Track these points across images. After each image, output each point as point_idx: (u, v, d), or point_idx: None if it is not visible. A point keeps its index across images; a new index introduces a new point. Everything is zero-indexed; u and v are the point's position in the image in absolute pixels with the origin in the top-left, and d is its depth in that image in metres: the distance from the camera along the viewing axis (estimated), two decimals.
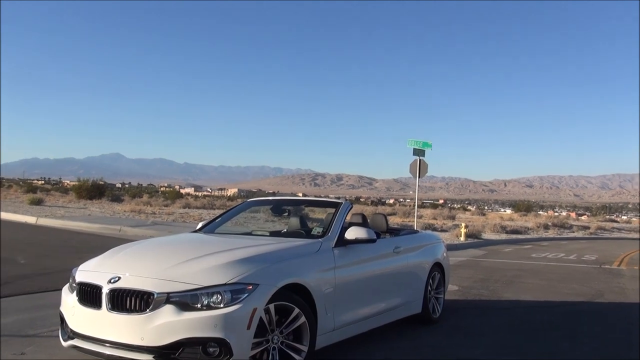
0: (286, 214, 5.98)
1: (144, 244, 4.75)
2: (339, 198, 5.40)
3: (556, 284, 10.15)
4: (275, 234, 5.48)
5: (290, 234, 5.25)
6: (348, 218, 5.41)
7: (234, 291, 3.55)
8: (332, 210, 5.14)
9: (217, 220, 5.76)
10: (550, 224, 34.91)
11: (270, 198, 6.50)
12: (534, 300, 8.16)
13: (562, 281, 10.54)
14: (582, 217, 69.58)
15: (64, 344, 3.94)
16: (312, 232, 5.17)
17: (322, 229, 5.00)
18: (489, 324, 6.32)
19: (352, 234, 4.72)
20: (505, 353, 5.06)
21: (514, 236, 24.36)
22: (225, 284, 3.58)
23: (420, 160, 18.43)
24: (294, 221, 5.64)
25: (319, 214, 6.90)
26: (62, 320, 4.04)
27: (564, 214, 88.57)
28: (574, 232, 32.53)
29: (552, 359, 5.00)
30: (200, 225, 5.73)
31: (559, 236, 27.77)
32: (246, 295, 3.56)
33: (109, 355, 3.59)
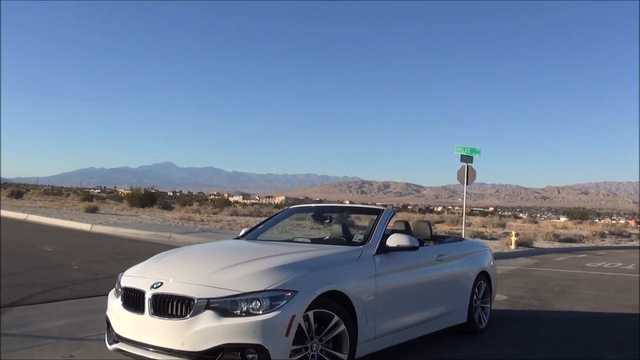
0: (328, 220, 5.96)
1: (186, 250, 4.83)
2: (386, 206, 5.35)
3: (612, 294, 9.71)
4: (316, 241, 5.46)
5: (331, 241, 5.23)
6: (391, 225, 5.34)
7: (273, 298, 3.55)
8: (374, 217, 5.08)
9: (259, 227, 5.80)
10: (607, 232, 33.57)
11: (313, 205, 6.49)
12: (587, 312, 7.83)
13: (619, 292, 10.07)
14: None
15: (109, 347, 4.04)
16: (353, 240, 5.13)
17: (363, 236, 4.95)
18: (538, 335, 6.09)
19: (393, 241, 4.65)
20: None
21: (567, 245, 23.51)
22: (264, 291, 3.58)
23: (468, 166, 18.07)
24: (336, 228, 5.63)
25: (365, 221, 6.85)
26: (108, 324, 4.14)
27: (622, 221, 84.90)
28: (632, 240, 31.10)
29: None
30: (243, 232, 5.79)
31: (616, 245, 26.61)
32: (285, 302, 3.55)
33: (151, 359, 3.65)
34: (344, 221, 5.97)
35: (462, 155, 18.08)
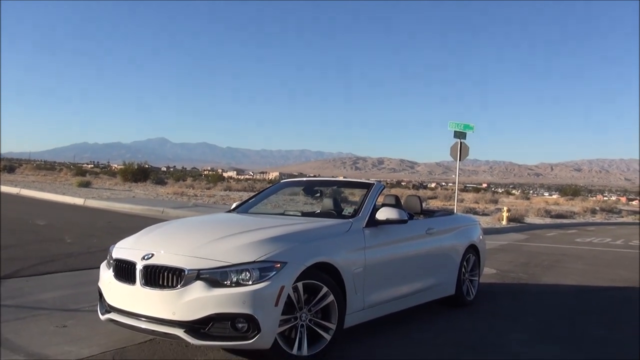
0: (318, 195, 6.01)
1: (177, 223, 4.87)
2: (380, 181, 5.38)
3: (600, 269, 9.87)
4: (307, 214, 5.51)
5: (322, 215, 5.29)
6: (381, 200, 5.39)
7: (262, 269, 3.61)
8: (364, 191, 5.13)
9: (251, 201, 5.84)
10: (598, 208, 33.88)
11: (303, 179, 6.53)
12: (575, 285, 7.96)
13: (607, 266, 10.24)
14: (633, 202, 67.05)
15: (102, 317, 4.10)
16: (343, 213, 5.19)
17: (353, 209, 5.00)
18: (525, 308, 6.21)
19: (383, 214, 4.71)
20: (539, 337, 4.96)
21: (558, 221, 23.74)
22: (253, 262, 3.63)
23: (461, 143, 18.10)
24: (327, 202, 5.68)
25: (357, 197, 6.91)
26: (100, 295, 4.20)
27: (613, 198, 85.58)
28: (622, 217, 31.45)
29: (586, 343, 4.87)
30: (234, 205, 5.84)
31: (606, 221, 26.91)
32: (274, 273, 3.61)
33: (143, 328, 3.72)
34: (335, 195, 6.01)
35: (455, 132, 18.10)
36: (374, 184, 5.23)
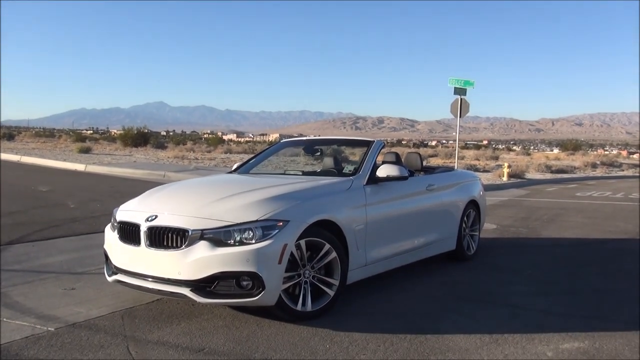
0: (318, 153, 6.01)
1: (180, 184, 4.90)
2: (380, 140, 5.37)
3: (600, 221, 9.95)
4: (308, 173, 5.53)
5: (322, 173, 5.30)
6: (382, 157, 5.40)
7: (265, 227, 3.65)
8: (364, 149, 5.13)
9: (251, 161, 5.85)
10: (598, 162, 33.90)
11: (303, 139, 6.53)
12: (574, 238, 8.05)
13: (607, 219, 10.31)
14: (634, 155, 66.95)
15: (109, 279, 4.17)
16: (344, 171, 5.20)
17: (354, 167, 5.02)
18: (525, 261, 6.29)
19: (383, 171, 4.73)
20: (538, 289, 5.05)
21: (559, 176, 23.79)
22: (256, 221, 3.67)
23: (461, 99, 17.96)
24: (328, 161, 5.69)
25: (358, 155, 6.91)
26: (106, 257, 4.26)
27: (614, 152, 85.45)
28: (623, 170, 31.49)
29: (586, 293, 4.96)
30: (235, 166, 5.86)
31: (607, 175, 26.97)
32: (277, 231, 3.65)
33: (150, 288, 3.79)
34: (335, 154, 6.01)
35: (455, 88, 17.94)
36: (373, 141, 5.23)
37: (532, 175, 22.56)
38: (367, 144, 5.22)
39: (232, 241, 3.61)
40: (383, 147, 5.23)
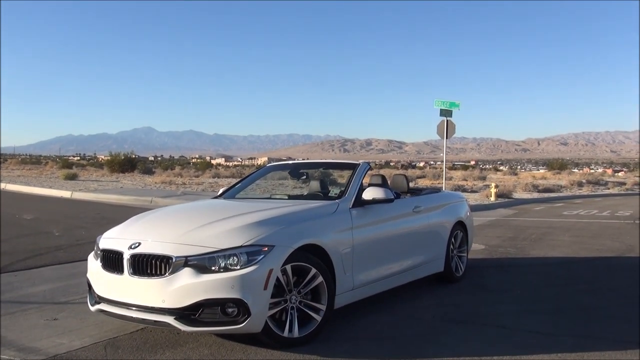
0: (304, 177, 6.00)
1: (164, 211, 4.85)
2: (366, 162, 5.38)
3: (587, 240, 9.99)
4: (294, 197, 5.51)
5: (308, 197, 5.29)
6: (367, 180, 5.40)
7: (250, 253, 3.61)
8: (350, 171, 5.13)
9: (237, 186, 5.83)
10: (584, 181, 34.24)
11: (289, 162, 6.52)
12: (561, 257, 8.06)
13: (594, 237, 10.36)
14: (619, 174, 67.75)
15: (92, 308, 4.09)
16: (329, 194, 5.19)
17: (340, 190, 5.01)
18: (513, 281, 6.29)
19: (369, 194, 4.72)
20: (527, 308, 5.03)
21: (546, 195, 23.95)
22: (241, 246, 3.63)
23: (447, 121, 18.14)
24: (314, 184, 5.69)
25: (346, 178, 6.91)
26: (90, 286, 4.18)
27: (600, 170, 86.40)
28: (609, 188, 31.80)
29: (574, 312, 4.95)
30: (221, 191, 5.83)
31: (593, 193, 27.19)
32: (262, 256, 3.62)
33: (133, 317, 3.72)
34: (322, 177, 6.01)
35: (441, 110, 18.13)
36: (359, 164, 5.24)
37: (519, 194, 22.70)
38: (352, 166, 5.22)
39: (217, 267, 3.57)
40: (369, 169, 5.24)
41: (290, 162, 6.55)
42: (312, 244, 3.98)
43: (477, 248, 8.53)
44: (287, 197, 5.44)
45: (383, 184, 5.21)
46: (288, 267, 3.76)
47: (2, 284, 5.66)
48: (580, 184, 32.01)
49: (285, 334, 3.76)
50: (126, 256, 3.77)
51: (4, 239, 8.60)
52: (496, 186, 20.79)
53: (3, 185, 21.75)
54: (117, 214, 12.30)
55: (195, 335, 4.02)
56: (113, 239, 4.11)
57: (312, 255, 3.96)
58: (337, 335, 4.13)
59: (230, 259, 3.58)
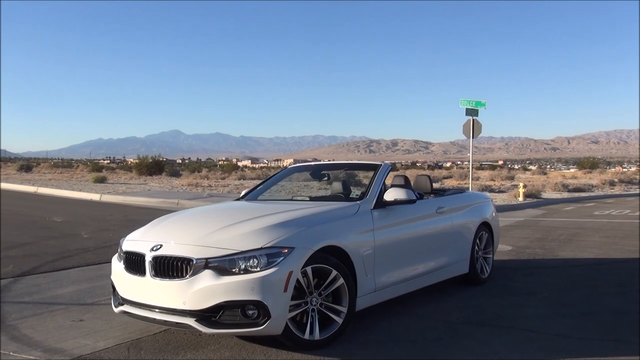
0: (326, 178, 5.99)
1: (186, 213, 4.89)
2: (388, 162, 5.34)
3: (618, 240, 9.74)
4: (315, 199, 5.50)
5: (330, 198, 5.28)
6: (390, 180, 5.35)
7: (270, 255, 3.61)
8: (372, 172, 5.09)
9: (259, 188, 5.84)
10: (616, 180, 33.44)
11: (312, 164, 6.51)
12: (592, 258, 7.87)
13: (625, 238, 10.10)
14: None
15: (115, 310, 4.14)
16: (351, 196, 5.16)
17: (361, 192, 4.98)
18: (540, 283, 6.15)
19: (391, 195, 4.68)
20: (555, 311, 4.92)
21: (576, 194, 23.47)
22: (261, 248, 3.63)
23: (473, 120, 17.92)
24: (337, 185, 5.66)
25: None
26: (113, 288, 4.24)
27: (633, 169, 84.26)
28: None
29: (603, 315, 4.81)
30: (243, 192, 5.85)
31: (625, 192, 26.54)
32: (282, 258, 3.61)
33: (155, 319, 3.75)
34: (344, 179, 5.98)
35: (467, 109, 17.92)
36: (381, 165, 5.19)
37: (548, 194, 22.30)
38: (374, 167, 5.18)
39: (237, 269, 3.57)
40: (390, 170, 5.19)
41: (312, 163, 6.54)
42: (333, 246, 3.95)
43: (503, 249, 8.39)
44: (308, 199, 5.43)
45: (405, 184, 5.16)
46: (308, 269, 3.75)
47: (31, 286, 5.79)
48: (612, 183, 31.27)
49: (306, 336, 3.74)
50: (148, 258, 3.80)
51: (34, 241, 8.80)
52: (524, 186, 20.45)
53: (35, 189, 22.27)
54: (144, 216, 12.47)
55: (216, 337, 4.04)
56: (135, 241, 4.16)
57: (333, 257, 3.94)
58: (358, 337, 4.09)
59: (250, 261, 3.58)
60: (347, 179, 5.98)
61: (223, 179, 34.88)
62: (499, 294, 5.60)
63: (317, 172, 6.13)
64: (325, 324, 3.86)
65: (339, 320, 3.91)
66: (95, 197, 18.68)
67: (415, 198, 4.78)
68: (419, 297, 5.27)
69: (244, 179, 34.59)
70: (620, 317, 4.75)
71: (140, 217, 12.44)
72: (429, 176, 6.17)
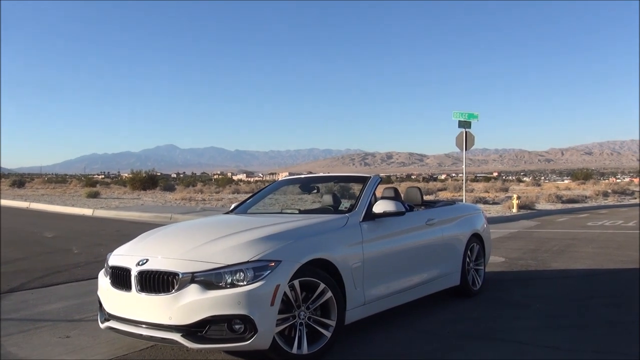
0: (315, 191, 5.96)
1: (173, 227, 4.84)
2: (377, 175, 5.32)
3: (611, 251, 9.72)
4: (304, 211, 5.46)
5: (319, 211, 5.24)
6: (380, 193, 5.34)
7: (256, 268, 3.56)
8: (361, 185, 5.07)
9: (248, 201, 5.81)
10: (610, 191, 33.53)
11: (301, 176, 6.48)
12: (585, 269, 7.85)
13: (618, 248, 10.09)
14: None
15: (101, 325, 4.08)
16: (340, 208, 5.14)
17: (350, 204, 4.95)
18: (533, 294, 6.12)
19: (380, 207, 4.65)
20: (547, 323, 4.88)
21: (570, 205, 23.48)
22: (247, 262, 3.59)
23: (466, 132, 17.98)
24: (326, 198, 5.64)
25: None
26: (100, 303, 4.18)
27: (626, 180, 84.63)
28: (635, 198, 31.07)
29: (596, 326, 4.78)
30: (233, 206, 5.82)
31: (619, 203, 26.58)
32: (268, 272, 3.57)
33: (141, 335, 3.69)
34: (334, 191, 5.96)
35: (459, 121, 18.00)
36: (370, 177, 5.18)
37: (542, 205, 22.32)
38: (363, 180, 5.17)
39: (224, 283, 3.53)
40: (379, 182, 5.18)
41: (302, 176, 6.52)
42: (321, 259, 3.91)
43: (496, 261, 8.37)
44: (297, 212, 5.40)
45: (395, 197, 5.14)
46: (296, 283, 3.70)
47: (19, 302, 5.71)
48: (605, 194, 31.34)
49: (294, 350, 3.69)
50: (134, 273, 3.75)
51: (25, 256, 8.72)
52: (518, 197, 20.46)
53: (27, 204, 22.14)
54: (137, 231, 12.37)
55: (203, 352, 3.98)
56: (122, 255, 4.11)
57: (321, 270, 3.90)
58: (348, 351, 4.04)
59: (237, 275, 3.54)
60: (337, 192, 5.96)
61: (217, 192, 34.81)
62: (491, 306, 5.56)
63: (307, 185, 6.11)
64: (313, 338, 3.81)
65: (328, 334, 3.86)
66: (87, 212, 18.58)
67: (404, 210, 4.76)
68: (410, 310, 5.22)
69: (237, 193, 34.50)
70: (613, 329, 4.72)
71: (133, 231, 12.32)
72: (419, 188, 6.16)
